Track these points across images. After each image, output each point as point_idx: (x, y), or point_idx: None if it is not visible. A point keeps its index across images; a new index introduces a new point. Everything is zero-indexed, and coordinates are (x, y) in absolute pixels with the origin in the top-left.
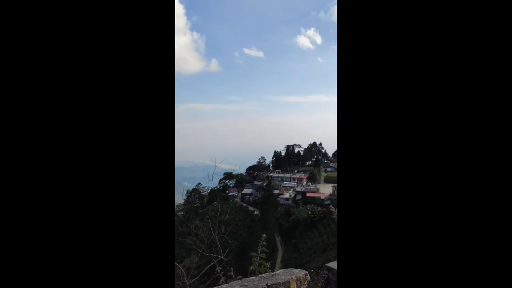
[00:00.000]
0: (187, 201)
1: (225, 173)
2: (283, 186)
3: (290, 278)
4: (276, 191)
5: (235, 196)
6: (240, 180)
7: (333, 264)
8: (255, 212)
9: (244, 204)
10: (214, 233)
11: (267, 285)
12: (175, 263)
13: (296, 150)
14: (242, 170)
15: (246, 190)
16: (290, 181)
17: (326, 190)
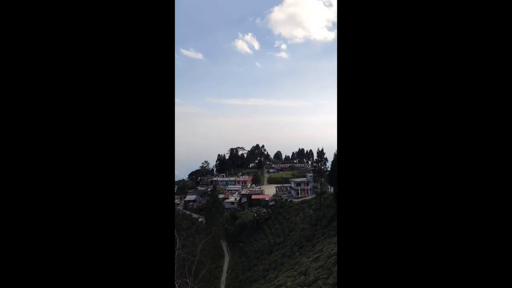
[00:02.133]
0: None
1: None
2: (228, 190)
3: None
4: (221, 196)
5: (177, 204)
6: (182, 187)
7: None
8: (200, 219)
9: (188, 212)
10: None
11: None
12: None
13: (240, 152)
14: (184, 175)
15: (190, 197)
16: (235, 184)
17: (270, 191)
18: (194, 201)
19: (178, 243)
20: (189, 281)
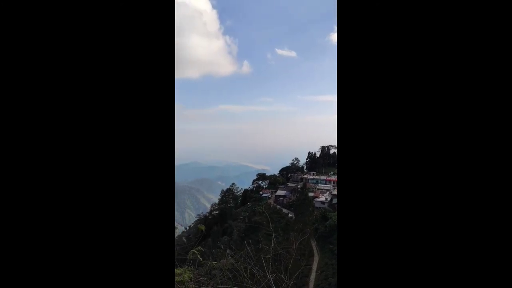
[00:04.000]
0: (221, 201)
1: (258, 174)
2: (318, 189)
3: None
4: (311, 194)
5: (268, 197)
6: (273, 182)
7: None
8: (290, 215)
9: (278, 206)
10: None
11: None
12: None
13: (332, 151)
14: (275, 171)
15: (280, 192)
16: (325, 184)
17: None
18: (284, 196)
19: (273, 237)
20: (285, 278)
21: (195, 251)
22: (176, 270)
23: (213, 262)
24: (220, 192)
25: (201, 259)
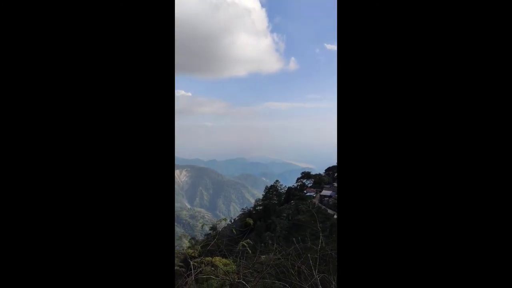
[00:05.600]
0: (265, 197)
1: (303, 172)
2: None
3: None
4: None
5: (313, 196)
6: (318, 181)
7: None
8: (335, 216)
9: (323, 206)
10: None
11: None
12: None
13: None
14: (320, 170)
15: (325, 192)
16: None
17: None
18: (330, 196)
19: (321, 237)
20: (333, 280)
21: (245, 244)
22: (224, 260)
23: (262, 256)
24: (264, 188)
25: (250, 251)
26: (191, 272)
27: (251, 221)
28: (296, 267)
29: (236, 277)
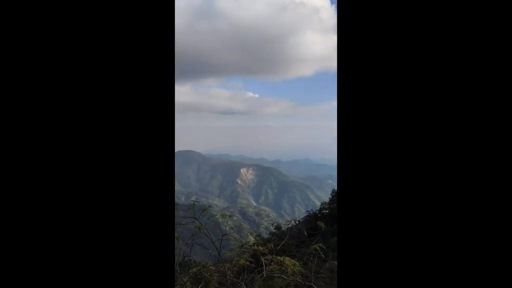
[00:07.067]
0: (332, 201)
1: None
2: None
3: None
4: None
5: None
6: None
7: None
8: None
9: None
10: None
11: None
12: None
13: None
14: None
15: None
16: None
17: None
18: None
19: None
20: None
21: (317, 247)
22: (292, 261)
23: (335, 262)
24: (331, 192)
25: (323, 255)
26: (262, 269)
27: (322, 224)
28: None
29: (305, 279)
